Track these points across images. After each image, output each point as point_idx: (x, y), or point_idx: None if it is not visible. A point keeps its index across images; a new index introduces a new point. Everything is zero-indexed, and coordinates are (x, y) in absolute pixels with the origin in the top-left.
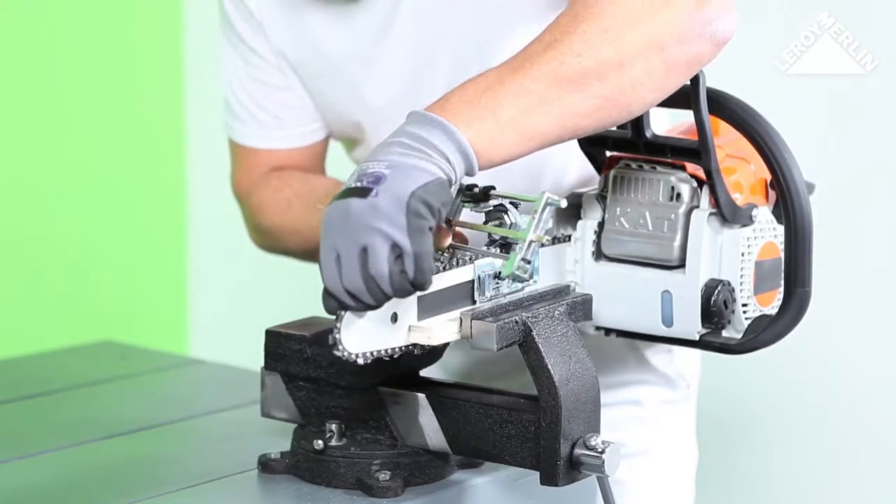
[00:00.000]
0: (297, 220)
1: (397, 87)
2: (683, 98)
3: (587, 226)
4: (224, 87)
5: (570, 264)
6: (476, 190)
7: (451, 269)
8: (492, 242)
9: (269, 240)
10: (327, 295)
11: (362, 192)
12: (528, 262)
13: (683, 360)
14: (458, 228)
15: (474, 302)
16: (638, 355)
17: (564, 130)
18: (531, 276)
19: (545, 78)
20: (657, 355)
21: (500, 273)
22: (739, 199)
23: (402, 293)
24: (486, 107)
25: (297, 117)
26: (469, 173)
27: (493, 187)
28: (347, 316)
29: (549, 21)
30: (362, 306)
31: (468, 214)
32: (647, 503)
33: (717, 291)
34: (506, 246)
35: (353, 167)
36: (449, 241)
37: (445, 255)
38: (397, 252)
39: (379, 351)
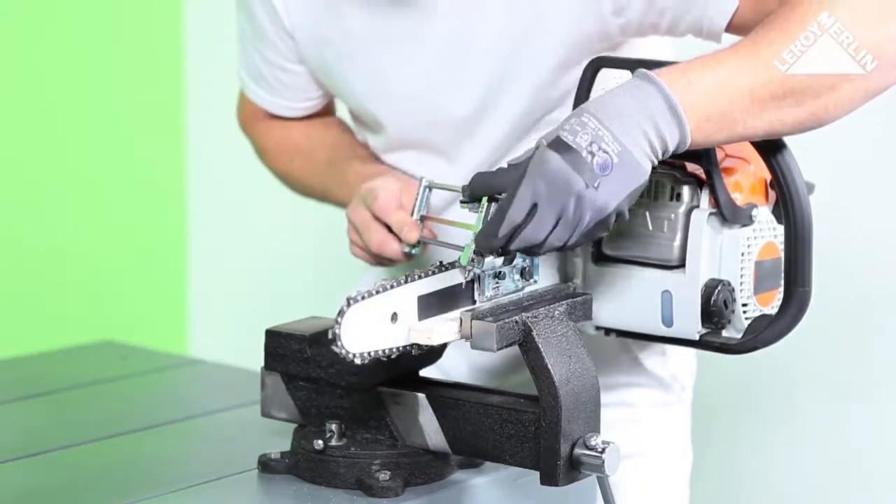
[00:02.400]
0: (296, 174)
1: (426, 79)
2: None
3: None
4: (238, 41)
5: (571, 264)
6: (438, 184)
7: (451, 269)
8: None
9: (273, 175)
10: (493, 228)
11: (588, 171)
12: (482, 256)
13: (678, 362)
14: (428, 223)
15: (474, 302)
16: (631, 357)
17: (765, 134)
18: (519, 274)
19: (769, 90)
20: (651, 357)
21: (500, 273)
22: (739, 198)
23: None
24: (707, 96)
25: (295, 96)
26: (677, 150)
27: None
28: (349, 313)
29: (583, 16)
30: (504, 252)
31: (459, 214)
32: None
33: (717, 291)
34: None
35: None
36: (417, 235)
37: (416, 248)
38: (569, 235)
39: (378, 351)
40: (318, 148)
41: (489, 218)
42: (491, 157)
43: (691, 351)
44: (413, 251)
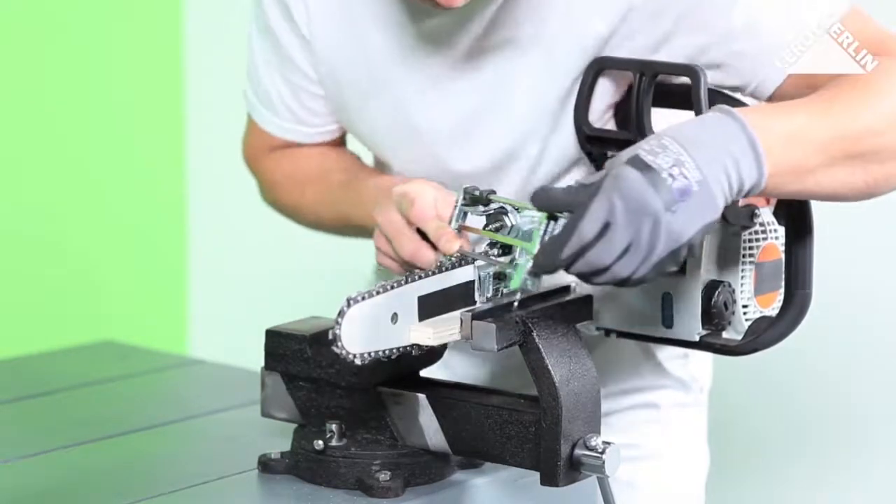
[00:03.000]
0: (308, 202)
1: (452, 128)
2: (684, 98)
3: None
4: (249, 64)
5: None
6: (478, 193)
7: (451, 269)
8: (493, 245)
9: (282, 212)
10: (558, 246)
11: (667, 194)
12: (537, 276)
13: (697, 364)
14: (465, 233)
15: (474, 302)
16: (654, 363)
17: (831, 193)
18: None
19: (844, 142)
20: (672, 360)
21: (500, 273)
22: (740, 200)
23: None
24: (784, 142)
25: (319, 120)
26: (749, 192)
27: (493, 191)
28: (349, 313)
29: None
30: (560, 269)
31: (470, 218)
32: None
33: (717, 293)
34: (506, 248)
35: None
36: (458, 245)
37: (452, 259)
38: (637, 264)
39: (378, 351)
40: (332, 172)
41: (553, 235)
42: (516, 196)
43: (708, 354)
44: (448, 261)
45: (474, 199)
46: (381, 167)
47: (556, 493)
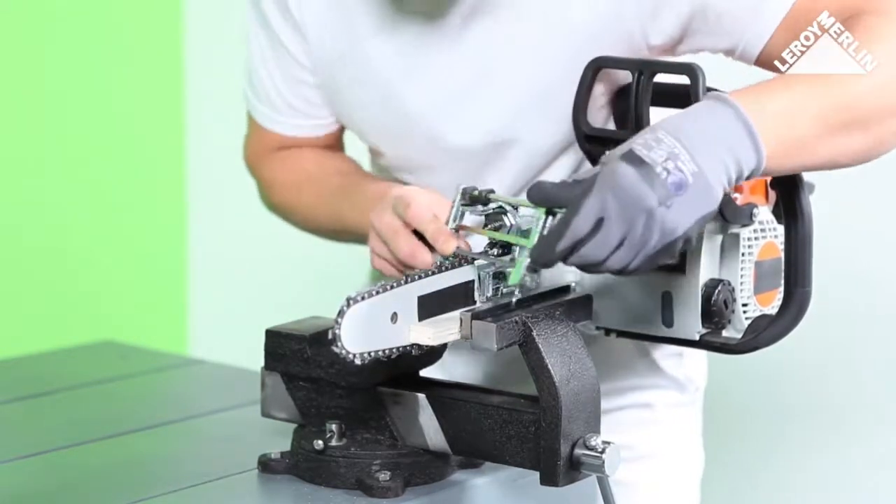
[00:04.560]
0: (306, 204)
1: (441, 111)
2: (684, 98)
3: None
4: (248, 61)
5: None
6: (476, 193)
7: (451, 269)
8: (493, 245)
9: (280, 214)
10: (553, 241)
11: (662, 188)
12: (536, 271)
13: (692, 363)
14: (462, 234)
15: (474, 302)
16: (649, 361)
17: (831, 161)
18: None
19: (838, 114)
20: (667, 359)
21: (500, 273)
22: (739, 198)
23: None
24: (780, 121)
25: (316, 112)
26: (750, 176)
27: (492, 191)
28: (349, 313)
29: (618, 46)
30: (556, 262)
31: (468, 218)
32: None
33: (717, 291)
34: (505, 247)
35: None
36: (455, 245)
37: (449, 259)
38: (632, 257)
39: (378, 351)
40: (329, 175)
41: (549, 230)
42: (510, 190)
43: (703, 353)
44: (446, 263)
45: (473, 198)
46: (376, 158)
47: (555, 492)
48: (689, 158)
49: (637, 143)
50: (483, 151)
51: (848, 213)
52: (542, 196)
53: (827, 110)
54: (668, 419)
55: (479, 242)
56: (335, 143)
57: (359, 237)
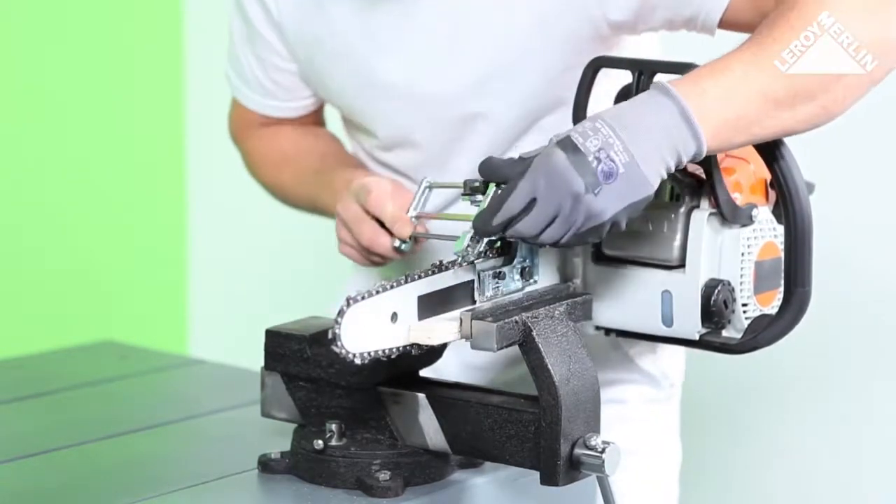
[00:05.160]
0: (284, 183)
1: (412, 77)
2: None
3: None
4: (229, 42)
5: (571, 264)
6: (477, 184)
7: (451, 268)
8: (491, 245)
9: (262, 186)
10: (489, 215)
11: (591, 176)
12: (478, 241)
13: (668, 359)
14: (423, 222)
15: (474, 302)
16: (622, 354)
17: (781, 133)
18: (519, 274)
19: (780, 89)
20: (641, 355)
21: (500, 273)
22: (739, 198)
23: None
24: (722, 102)
25: (291, 95)
26: (692, 160)
27: (476, 181)
28: (349, 313)
29: (574, 18)
30: (493, 240)
31: (466, 207)
32: (632, 502)
33: (717, 291)
34: (505, 248)
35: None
36: (410, 230)
37: (407, 242)
38: (562, 234)
39: (378, 351)
40: (306, 157)
41: (488, 204)
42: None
43: (681, 349)
44: (403, 247)
45: (474, 188)
46: (358, 136)
47: (555, 492)
48: (622, 149)
49: (577, 130)
50: (450, 127)
51: (848, 213)
52: (489, 170)
53: (768, 86)
54: (643, 415)
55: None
56: (315, 120)
57: (332, 219)
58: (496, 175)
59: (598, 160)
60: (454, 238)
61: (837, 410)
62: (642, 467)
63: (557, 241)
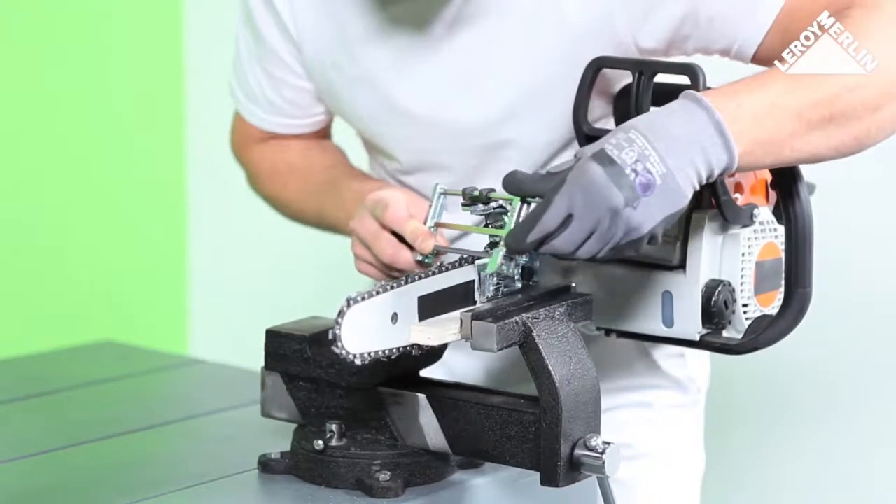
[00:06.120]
0: (290, 196)
1: (436, 106)
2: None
3: None
4: (235, 57)
5: (571, 264)
6: (477, 193)
7: (451, 269)
8: (492, 246)
9: (266, 201)
10: (523, 232)
11: (629, 189)
12: (512, 259)
13: (695, 364)
14: (441, 230)
15: (474, 302)
16: (649, 361)
17: (810, 157)
18: (520, 274)
19: (818, 106)
20: (668, 359)
21: (500, 273)
22: (740, 199)
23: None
24: (756, 119)
25: (300, 112)
26: (722, 174)
27: (493, 189)
28: (349, 313)
29: (603, 46)
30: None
31: (467, 217)
32: None
33: (717, 292)
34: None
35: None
36: (433, 243)
37: (430, 258)
38: (599, 248)
39: (378, 352)
40: (315, 169)
41: (521, 221)
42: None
43: (706, 354)
44: (427, 260)
45: (473, 198)
46: (378, 158)
47: (556, 493)
48: (658, 160)
49: (609, 142)
50: (478, 153)
51: (848, 214)
52: (516, 186)
53: (804, 107)
54: (668, 419)
55: (479, 242)
56: (324, 134)
57: (340, 234)
58: (523, 190)
59: (636, 172)
60: (477, 252)
61: (861, 416)
62: (665, 471)
63: (594, 256)
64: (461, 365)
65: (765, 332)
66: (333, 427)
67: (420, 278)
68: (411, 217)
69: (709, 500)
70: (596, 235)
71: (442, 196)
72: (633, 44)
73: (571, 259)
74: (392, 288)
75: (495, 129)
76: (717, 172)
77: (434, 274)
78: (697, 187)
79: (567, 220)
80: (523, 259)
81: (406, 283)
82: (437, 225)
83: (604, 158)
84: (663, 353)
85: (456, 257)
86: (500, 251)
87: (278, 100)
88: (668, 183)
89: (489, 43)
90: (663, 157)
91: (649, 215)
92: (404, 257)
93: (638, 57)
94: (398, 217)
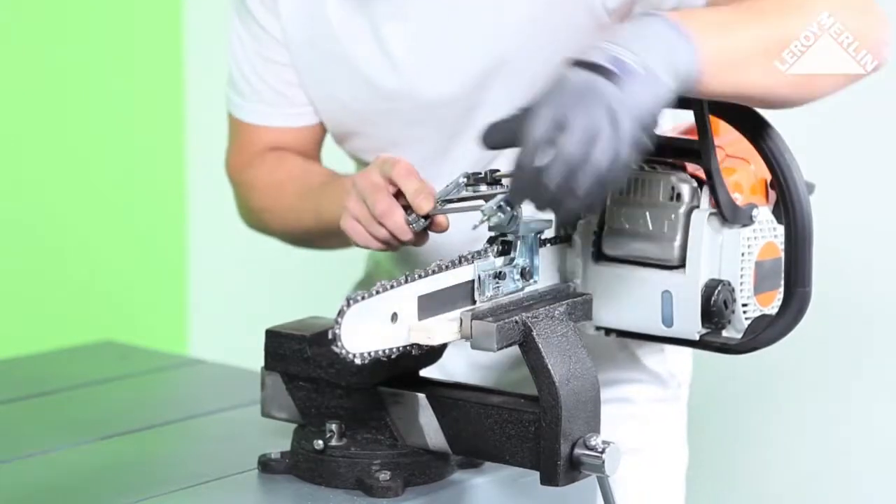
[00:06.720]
0: (287, 202)
1: (408, 75)
2: (685, 99)
3: (587, 226)
4: (230, 61)
5: (571, 264)
6: (482, 175)
7: (451, 268)
8: (492, 241)
9: (259, 220)
10: (524, 161)
11: (614, 76)
12: (512, 207)
13: (675, 359)
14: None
15: (474, 302)
16: (629, 353)
17: (767, 90)
18: (519, 274)
19: (776, 36)
20: (649, 355)
21: (500, 273)
22: (739, 199)
23: (581, 193)
24: (719, 28)
25: (300, 96)
26: (690, 83)
27: (497, 170)
28: (349, 313)
29: (574, 11)
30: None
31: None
32: (638, 501)
33: (717, 291)
34: (506, 248)
35: (347, 160)
36: (431, 205)
37: (420, 222)
38: (615, 147)
39: (378, 351)
40: (313, 173)
41: (515, 160)
42: (483, 159)
43: (688, 349)
44: (416, 226)
45: (478, 179)
46: (347, 143)
47: (556, 492)
48: (632, 55)
49: (576, 55)
50: (454, 120)
51: (848, 213)
52: (498, 133)
53: (764, 34)
54: (650, 414)
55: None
56: (314, 151)
57: (334, 235)
58: (506, 134)
59: (615, 65)
60: (475, 209)
61: (842, 412)
62: (648, 466)
63: (613, 160)
64: (456, 367)
65: (764, 332)
66: (333, 427)
67: (420, 278)
68: (419, 177)
69: (694, 495)
70: (601, 133)
71: (462, 182)
72: (601, 4)
73: (586, 177)
74: (392, 287)
75: (467, 97)
76: (682, 70)
77: (434, 273)
78: (673, 85)
79: (560, 125)
80: (523, 259)
81: (406, 282)
82: (445, 201)
83: (579, 63)
84: (644, 348)
85: (455, 255)
86: (497, 200)
87: (275, 81)
88: (650, 72)
89: (456, 10)
90: (635, 51)
91: (640, 94)
92: (397, 215)
93: (607, 21)
94: (406, 170)
